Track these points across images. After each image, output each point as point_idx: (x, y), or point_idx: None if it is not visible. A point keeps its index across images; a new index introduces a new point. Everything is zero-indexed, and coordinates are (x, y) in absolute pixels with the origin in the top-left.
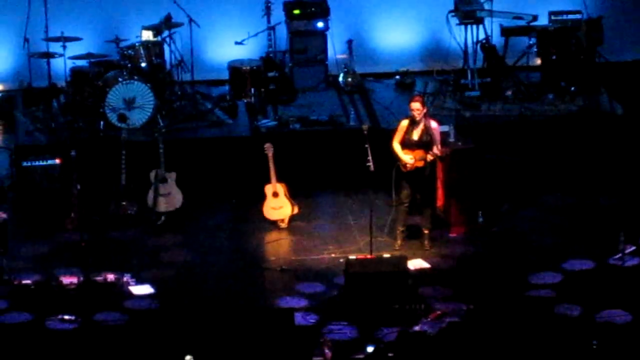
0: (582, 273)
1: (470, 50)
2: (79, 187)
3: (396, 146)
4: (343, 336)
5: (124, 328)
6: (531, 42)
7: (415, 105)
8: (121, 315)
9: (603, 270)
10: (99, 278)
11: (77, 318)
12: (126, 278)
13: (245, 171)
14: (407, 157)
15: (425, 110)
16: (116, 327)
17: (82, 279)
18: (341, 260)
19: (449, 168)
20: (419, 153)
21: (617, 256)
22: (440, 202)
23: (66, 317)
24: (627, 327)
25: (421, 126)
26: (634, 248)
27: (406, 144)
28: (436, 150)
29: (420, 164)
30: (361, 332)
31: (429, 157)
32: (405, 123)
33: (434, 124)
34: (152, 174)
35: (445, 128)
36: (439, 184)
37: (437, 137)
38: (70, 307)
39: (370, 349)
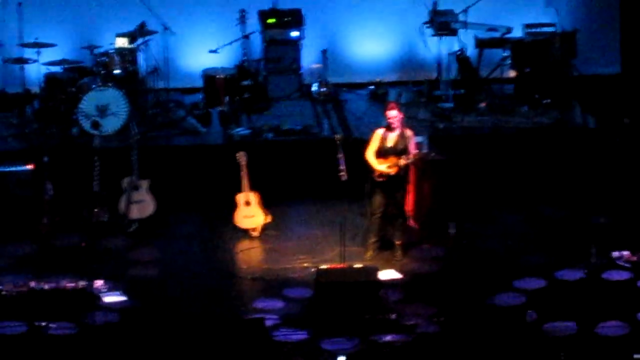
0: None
1: (444, 61)
2: (51, 193)
3: (370, 156)
4: (316, 346)
5: (100, 334)
6: (505, 54)
7: (392, 113)
8: (93, 322)
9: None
10: (70, 285)
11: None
12: (98, 285)
13: (217, 180)
14: (382, 167)
15: (401, 117)
16: (90, 334)
17: (55, 285)
18: (312, 269)
19: (421, 178)
20: (393, 160)
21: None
22: (412, 211)
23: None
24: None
25: (396, 133)
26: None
27: (381, 152)
28: (410, 155)
29: (394, 170)
30: (332, 342)
31: (402, 162)
32: (380, 132)
33: (409, 132)
34: (125, 181)
35: (419, 139)
36: (410, 193)
37: (412, 145)
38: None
39: (342, 359)
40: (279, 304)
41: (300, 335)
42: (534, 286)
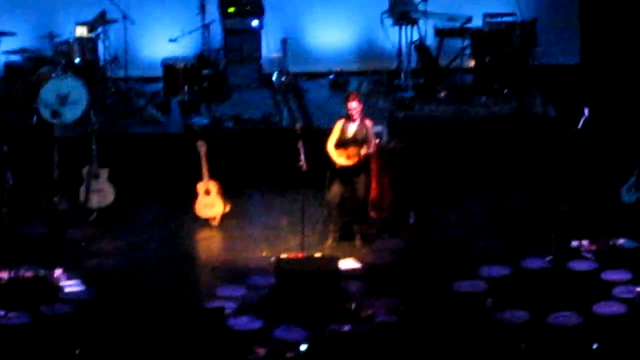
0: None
1: (404, 51)
2: (11, 182)
3: (331, 148)
4: (275, 335)
5: (57, 323)
6: (465, 43)
7: (352, 105)
8: (51, 310)
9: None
10: (28, 274)
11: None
12: (57, 273)
13: (177, 168)
14: (342, 159)
15: (361, 108)
16: (46, 323)
17: (13, 274)
18: (272, 259)
19: (381, 167)
20: (353, 150)
21: (548, 258)
22: (372, 201)
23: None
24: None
25: (356, 124)
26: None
27: (341, 143)
28: (370, 146)
29: (355, 160)
30: (292, 331)
31: (362, 152)
32: (340, 123)
33: (368, 122)
34: (85, 170)
35: (379, 128)
36: (373, 182)
37: (372, 134)
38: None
39: (303, 347)
40: (240, 291)
41: (256, 324)
42: (495, 274)
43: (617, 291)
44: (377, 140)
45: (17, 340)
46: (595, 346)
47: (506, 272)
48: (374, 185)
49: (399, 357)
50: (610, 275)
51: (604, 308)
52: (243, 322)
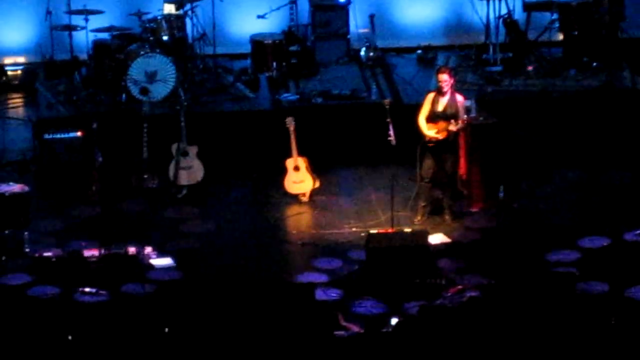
0: (600, 250)
1: (492, 25)
2: (100, 160)
3: (422, 121)
4: (366, 310)
5: (149, 299)
6: (553, 17)
7: (443, 77)
8: (146, 286)
9: (620, 247)
10: (120, 251)
11: (103, 290)
12: (147, 251)
13: (266, 145)
14: (432, 132)
15: (452, 82)
16: (142, 298)
17: (104, 251)
18: (362, 234)
19: (470, 142)
20: (443, 125)
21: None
22: (463, 175)
23: (91, 289)
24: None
25: (447, 98)
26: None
27: (431, 117)
28: (460, 122)
29: (444, 134)
30: (384, 306)
31: (451, 128)
32: (431, 96)
33: (459, 97)
34: (174, 147)
35: (467, 102)
36: (462, 157)
37: (462, 110)
38: (93, 280)
39: (394, 321)
40: (333, 264)
41: (341, 298)
42: (590, 245)
43: None
44: (466, 116)
45: (93, 319)
46: None
47: (602, 243)
48: (462, 160)
49: (489, 333)
50: None
51: None
52: (334, 297)
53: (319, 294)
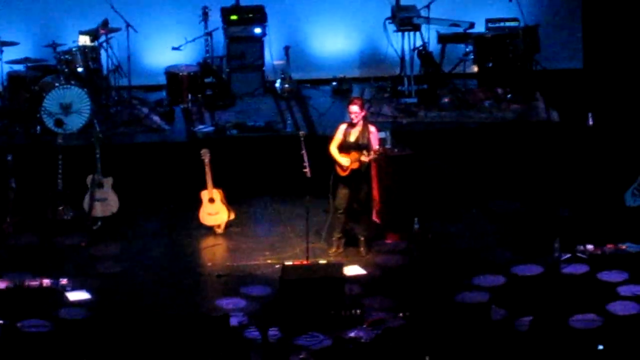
0: (524, 278)
1: (407, 57)
2: (14, 189)
3: (334, 150)
4: (277, 340)
5: (53, 335)
6: (468, 49)
7: (354, 108)
8: (51, 322)
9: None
10: (34, 283)
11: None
12: (62, 283)
13: (181, 177)
14: (344, 160)
15: (363, 114)
16: (45, 334)
17: (16, 283)
18: (277, 266)
19: (384, 174)
20: (355, 155)
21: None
22: (376, 207)
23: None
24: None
25: (358, 129)
26: (569, 255)
27: (343, 147)
28: (372, 152)
29: (356, 165)
30: (304, 338)
31: (363, 159)
32: (343, 126)
33: (372, 128)
34: (89, 179)
35: (382, 134)
36: (375, 189)
37: (374, 141)
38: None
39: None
40: (241, 303)
41: (273, 333)
42: (495, 283)
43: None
44: (381, 147)
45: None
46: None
47: (501, 281)
48: (376, 191)
49: None
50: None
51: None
52: (248, 329)
53: (234, 325)
